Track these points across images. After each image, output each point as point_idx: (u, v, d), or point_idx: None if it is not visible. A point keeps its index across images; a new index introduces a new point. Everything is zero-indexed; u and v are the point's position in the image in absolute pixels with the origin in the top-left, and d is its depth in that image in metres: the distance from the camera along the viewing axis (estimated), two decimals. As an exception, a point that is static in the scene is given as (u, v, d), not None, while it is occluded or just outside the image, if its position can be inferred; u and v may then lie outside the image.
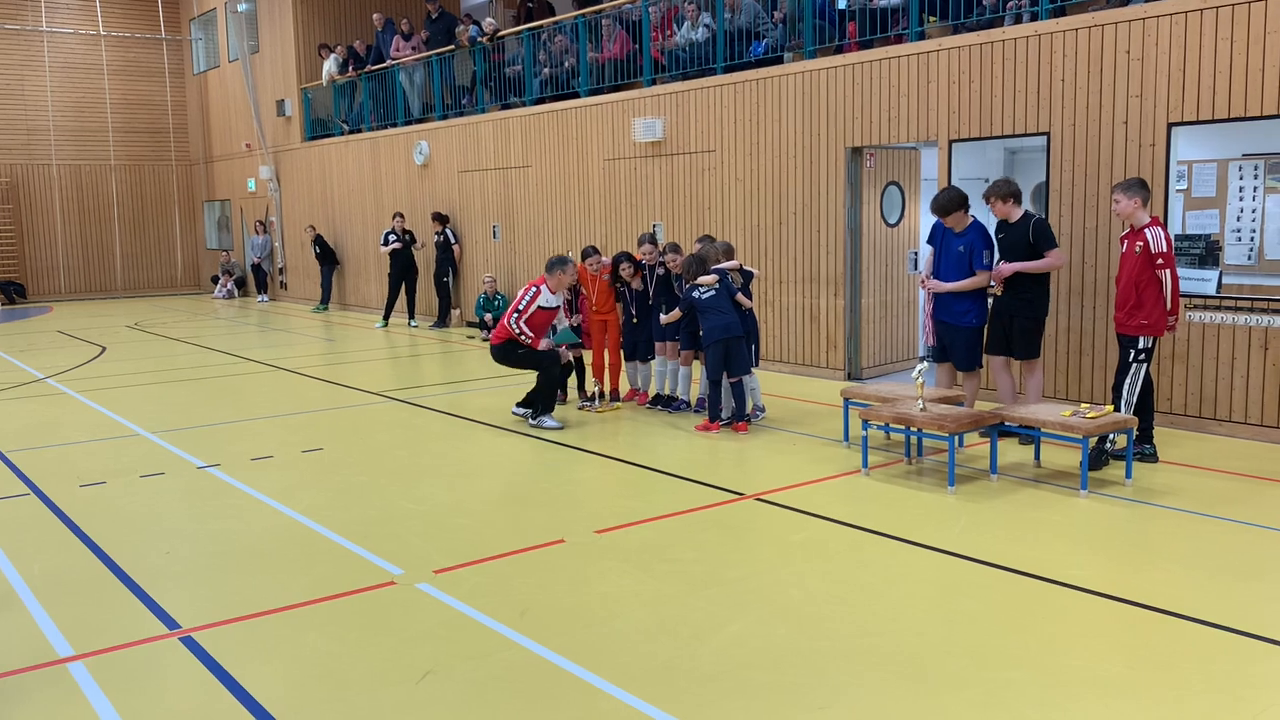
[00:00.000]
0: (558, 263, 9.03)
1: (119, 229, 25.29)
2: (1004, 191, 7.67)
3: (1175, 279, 6.99)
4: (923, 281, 8.12)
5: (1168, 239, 6.96)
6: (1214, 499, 6.42)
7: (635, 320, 9.47)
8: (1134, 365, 7.03)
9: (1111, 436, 7.02)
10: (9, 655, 4.46)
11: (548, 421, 8.87)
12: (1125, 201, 7.00)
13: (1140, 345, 7.01)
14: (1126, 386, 7.05)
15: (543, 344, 8.92)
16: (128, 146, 25.24)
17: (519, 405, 9.22)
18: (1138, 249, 6.97)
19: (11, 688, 4.17)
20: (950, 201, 7.81)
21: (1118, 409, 7.00)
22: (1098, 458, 6.96)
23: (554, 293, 9.00)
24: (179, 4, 25.60)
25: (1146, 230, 6.94)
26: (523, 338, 8.85)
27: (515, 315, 8.85)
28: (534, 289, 8.94)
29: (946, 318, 7.95)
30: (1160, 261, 6.89)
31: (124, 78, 25.08)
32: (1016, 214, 7.68)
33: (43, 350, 15.20)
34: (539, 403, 8.97)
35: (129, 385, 11.81)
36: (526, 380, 9.36)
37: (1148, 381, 7.18)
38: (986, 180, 11.20)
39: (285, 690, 4.12)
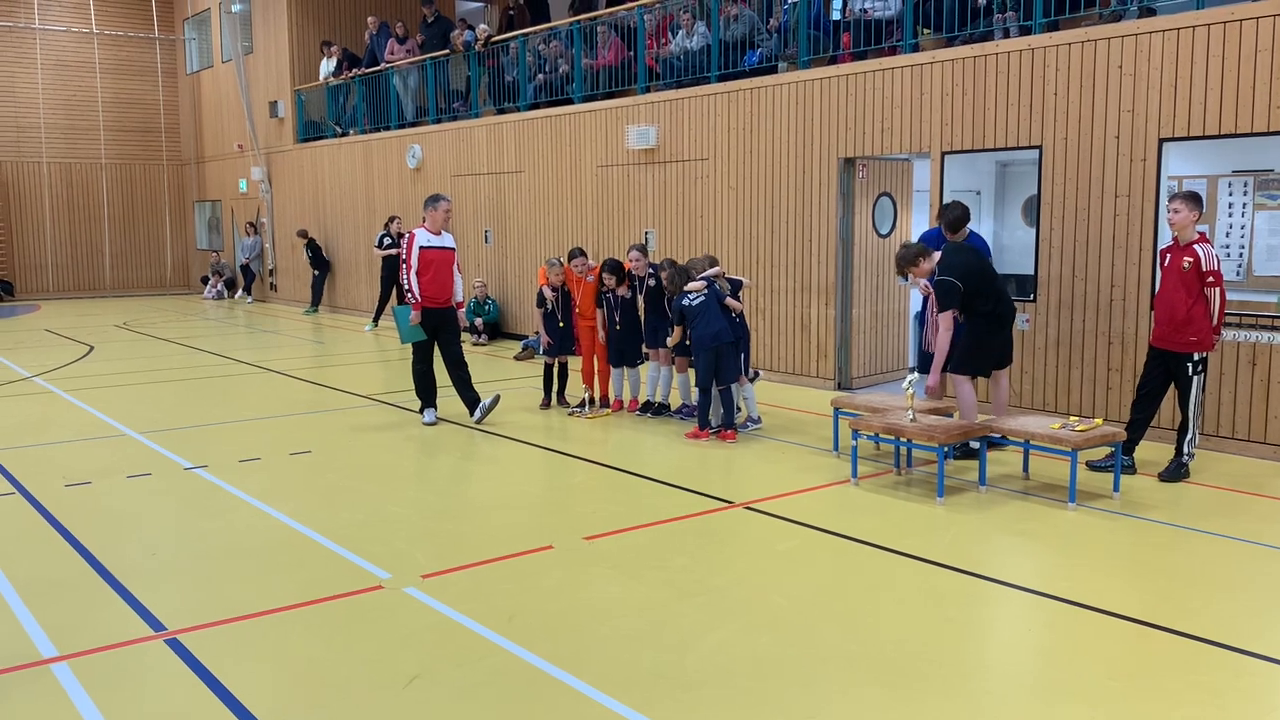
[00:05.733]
0: (430, 200, 9.18)
1: (109, 228, 25.18)
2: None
3: (1224, 297, 6.99)
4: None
5: (1216, 257, 6.95)
6: (1201, 513, 6.45)
7: (619, 327, 9.42)
8: (1194, 378, 7.04)
9: (1188, 450, 7.15)
10: (-8, 655, 4.43)
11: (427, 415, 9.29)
12: (1185, 212, 6.93)
13: (1195, 359, 7.02)
14: (1193, 404, 7.06)
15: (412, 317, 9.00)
16: (119, 145, 25.14)
17: (470, 411, 9.27)
18: (1185, 264, 6.92)
19: (-6, 688, 4.14)
20: (963, 217, 7.79)
21: (1185, 428, 7.09)
22: (1177, 470, 7.11)
23: (435, 233, 9.07)
24: (173, 3, 25.55)
25: (1196, 246, 6.91)
26: (409, 296, 8.98)
27: (405, 270, 9.01)
28: (410, 235, 9.12)
29: None
30: (1211, 279, 6.88)
31: (116, 76, 24.99)
32: (961, 237, 7.71)
33: (30, 349, 15.13)
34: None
35: (117, 385, 11.75)
36: (510, 384, 9.33)
37: (1157, 398, 7.24)
38: (978, 193, 11.21)
39: (271, 694, 4.10)
